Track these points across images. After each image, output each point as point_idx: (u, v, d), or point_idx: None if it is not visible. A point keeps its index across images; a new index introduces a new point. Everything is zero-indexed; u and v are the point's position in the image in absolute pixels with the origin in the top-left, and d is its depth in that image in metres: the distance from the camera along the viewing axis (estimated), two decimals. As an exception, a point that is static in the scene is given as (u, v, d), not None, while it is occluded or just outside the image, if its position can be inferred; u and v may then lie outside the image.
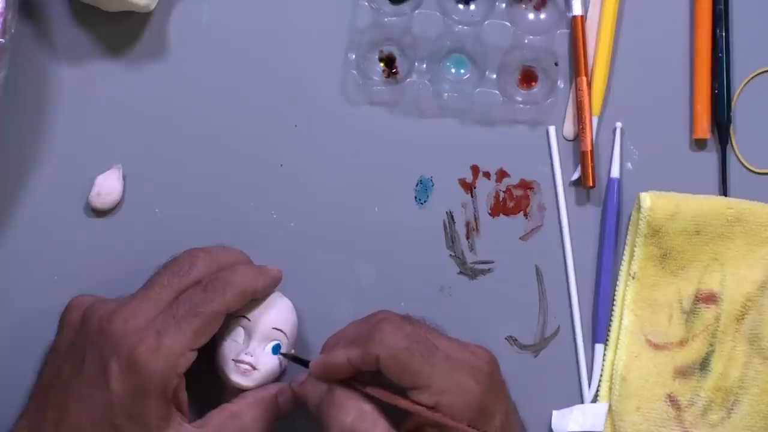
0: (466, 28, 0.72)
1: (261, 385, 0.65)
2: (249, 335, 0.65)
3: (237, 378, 0.65)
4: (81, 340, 0.62)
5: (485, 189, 0.72)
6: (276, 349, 0.65)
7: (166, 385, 0.60)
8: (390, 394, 0.61)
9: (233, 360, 0.65)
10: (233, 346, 0.65)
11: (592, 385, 0.70)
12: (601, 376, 0.71)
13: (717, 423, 0.69)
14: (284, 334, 0.66)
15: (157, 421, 0.60)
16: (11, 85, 0.68)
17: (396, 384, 0.61)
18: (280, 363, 0.66)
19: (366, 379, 0.62)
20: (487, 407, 0.61)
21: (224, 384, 0.66)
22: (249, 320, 0.65)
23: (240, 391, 0.65)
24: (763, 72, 0.74)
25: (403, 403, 0.61)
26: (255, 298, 0.65)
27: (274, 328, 0.65)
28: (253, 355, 0.65)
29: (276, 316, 0.66)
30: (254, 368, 0.65)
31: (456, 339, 0.65)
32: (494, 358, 0.64)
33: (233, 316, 0.65)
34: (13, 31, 0.66)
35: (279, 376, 0.66)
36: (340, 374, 0.62)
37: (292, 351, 0.66)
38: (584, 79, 0.72)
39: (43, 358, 0.65)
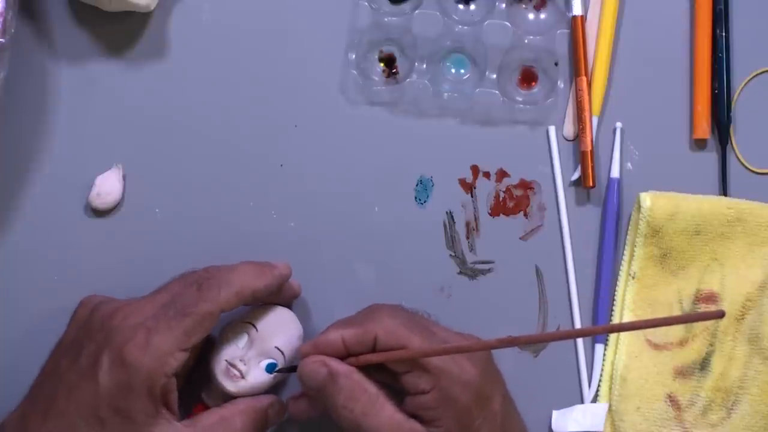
0: (466, 28, 0.72)
1: (243, 395, 0.64)
2: (251, 345, 0.65)
3: (223, 379, 0.64)
4: (82, 335, 0.62)
5: (485, 189, 0.72)
6: (270, 368, 0.65)
7: (153, 383, 0.60)
8: (377, 354, 0.61)
9: (226, 360, 0.64)
10: (232, 349, 0.65)
11: (592, 385, 0.70)
12: (601, 376, 0.71)
13: (717, 423, 0.69)
14: (283, 356, 0.65)
15: (144, 417, 0.60)
16: (11, 85, 0.68)
17: (390, 370, 0.61)
18: (277, 375, 0.65)
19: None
20: (484, 390, 0.62)
21: (208, 382, 0.65)
22: (257, 331, 0.65)
23: (221, 393, 0.64)
24: (763, 72, 0.74)
25: (389, 356, 0.61)
26: (268, 309, 0.66)
27: (276, 347, 0.65)
28: (246, 365, 0.64)
29: (284, 339, 0.65)
30: (243, 377, 0.64)
31: (449, 328, 0.65)
32: None
33: (243, 321, 0.65)
34: (13, 31, 0.66)
35: (263, 392, 0.66)
36: (331, 353, 0.62)
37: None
38: (584, 79, 0.72)
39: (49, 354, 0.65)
